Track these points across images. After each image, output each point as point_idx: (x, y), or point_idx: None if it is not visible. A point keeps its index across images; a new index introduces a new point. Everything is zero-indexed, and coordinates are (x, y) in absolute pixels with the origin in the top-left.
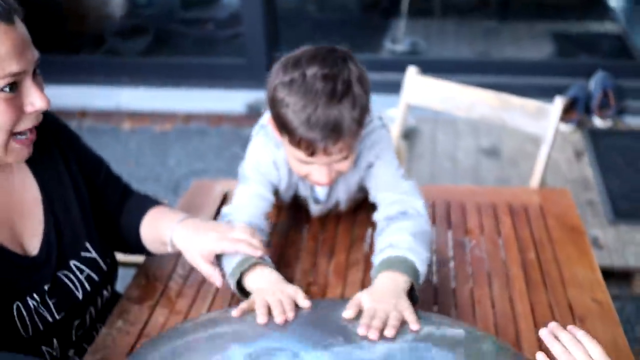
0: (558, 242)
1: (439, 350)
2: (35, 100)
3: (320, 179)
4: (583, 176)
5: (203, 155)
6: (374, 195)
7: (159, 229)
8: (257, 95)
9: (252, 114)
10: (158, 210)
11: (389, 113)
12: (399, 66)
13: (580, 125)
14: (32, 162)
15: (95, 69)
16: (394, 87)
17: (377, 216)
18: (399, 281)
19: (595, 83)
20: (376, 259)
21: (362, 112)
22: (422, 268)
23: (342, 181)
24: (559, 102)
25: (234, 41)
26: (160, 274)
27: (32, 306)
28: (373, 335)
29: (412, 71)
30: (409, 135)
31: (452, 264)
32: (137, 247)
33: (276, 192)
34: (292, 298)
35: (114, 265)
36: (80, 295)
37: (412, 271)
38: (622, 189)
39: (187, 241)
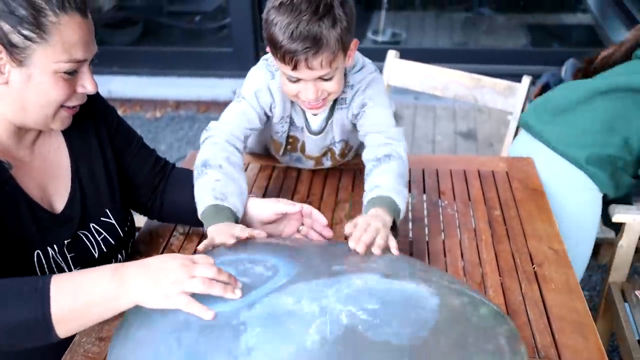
0: (521, 202)
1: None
2: (87, 84)
3: (307, 95)
4: None
5: (193, 140)
6: (364, 135)
7: None
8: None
9: None
10: None
11: None
12: (381, 55)
13: None
14: (66, 130)
15: None
16: None
17: (365, 156)
18: (385, 217)
19: (566, 71)
20: (366, 197)
21: (343, 32)
22: (402, 207)
23: (337, 117)
24: (526, 80)
25: (220, 33)
26: (162, 232)
27: (50, 255)
28: (360, 248)
29: (391, 54)
30: None
31: (426, 221)
32: (177, 209)
33: (268, 122)
34: (236, 235)
35: (131, 232)
36: (96, 254)
37: (395, 209)
38: None
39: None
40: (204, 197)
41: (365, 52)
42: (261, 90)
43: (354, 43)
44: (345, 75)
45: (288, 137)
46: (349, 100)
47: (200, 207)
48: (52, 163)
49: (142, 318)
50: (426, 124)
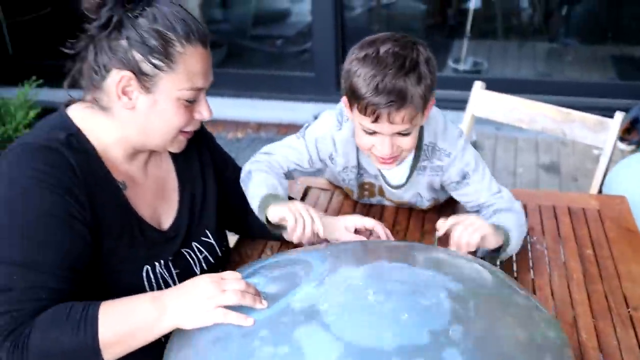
0: (614, 241)
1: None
2: (204, 111)
3: (382, 150)
4: None
5: None
6: (477, 202)
7: None
8: (325, 107)
9: None
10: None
11: None
12: (462, 84)
13: None
14: (174, 155)
15: None
16: (456, 104)
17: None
18: (488, 231)
19: None
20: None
21: (427, 89)
22: (513, 241)
23: (426, 181)
24: (618, 116)
25: (301, 57)
26: (251, 253)
27: (158, 272)
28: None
29: (477, 85)
30: None
31: (514, 257)
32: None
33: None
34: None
35: (227, 252)
36: (198, 271)
37: (506, 238)
38: None
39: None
40: (258, 191)
41: (447, 81)
42: (325, 139)
43: (431, 102)
44: (423, 133)
45: (363, 184)
46: (446, 168)
47: (257, 200)
48: (163, 184)
49: (180, 342)
50: (507, 155)
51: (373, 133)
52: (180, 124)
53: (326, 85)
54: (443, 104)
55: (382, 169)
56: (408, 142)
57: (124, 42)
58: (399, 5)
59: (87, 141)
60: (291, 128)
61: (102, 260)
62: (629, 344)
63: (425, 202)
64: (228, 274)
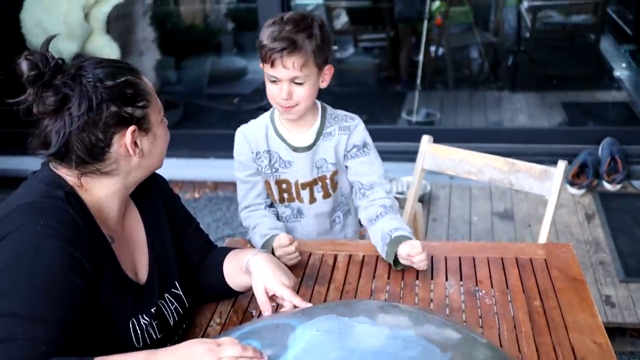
0: (561, 291)
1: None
2: (165, 120)
3: (281, 95)
4: (594, 237)
5: (230, 221)
6: (369, 185)
7: (240, 257)
8: None
9: None
10: (238, 249)
11: (405, 179)
12: (415, 136)
13: (590, 189)
14: (141, 208)
15: None
16: (410, 155)
17: (373, 202)
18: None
19: (603, 149)
20: (392, 233)
21: (317, 47)
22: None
23: (326, 141)
24: (561, 165)
25: (257, 114)
26: (199, 322)
27: (143, 325)
28: (424, 266)
29: (425, 139)
30: (425, 200)
31: (463, 311)
32: (213, 288)
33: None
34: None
35: (192, 305)
36: (171, 322)
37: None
38: (632, 248)
39: (260, 269)
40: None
41: (400, 133)
42: (239, 148)
43: (328, 68)
44: (327, 111)
45: (280, 181)
46: (352, 128)
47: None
48: (135, 236)
49: None
50: (462, 204)
51: (274, 81)
52: (168, 136)
53: None
54: (397, 156)
55: (287, 123)
56: (302, 92)
57: (112, 108)
58: (351, 60)
59: (80, 198)
60: None
61: (95, 314)
62: None
63: (329, 167)
64: (225, 339)
